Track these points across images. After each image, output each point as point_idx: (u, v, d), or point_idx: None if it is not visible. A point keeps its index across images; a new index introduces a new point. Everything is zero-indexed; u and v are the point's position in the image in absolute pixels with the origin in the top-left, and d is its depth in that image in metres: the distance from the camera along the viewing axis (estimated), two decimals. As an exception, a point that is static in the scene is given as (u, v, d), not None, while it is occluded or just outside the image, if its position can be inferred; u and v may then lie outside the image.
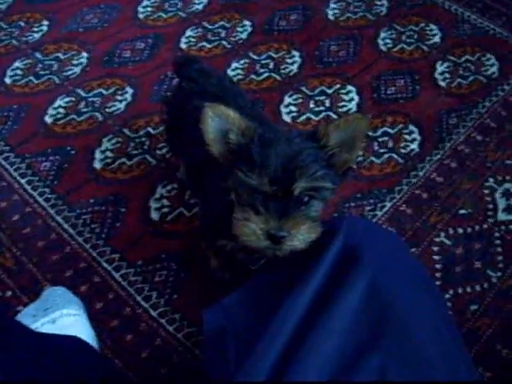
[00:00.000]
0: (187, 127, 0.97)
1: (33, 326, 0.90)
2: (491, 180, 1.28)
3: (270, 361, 0.57)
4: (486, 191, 1.25)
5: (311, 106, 1.43)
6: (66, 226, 1.16)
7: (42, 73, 1.49)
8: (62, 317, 0.91)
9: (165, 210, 1.20)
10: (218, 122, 0.70)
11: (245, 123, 0.71)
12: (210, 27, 1.65)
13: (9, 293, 1.06)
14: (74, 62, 1.52)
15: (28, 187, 1.23)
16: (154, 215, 1.19)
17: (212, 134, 0.71)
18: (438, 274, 1.11)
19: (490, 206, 1.23)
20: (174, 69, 1.20)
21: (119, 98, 1.43)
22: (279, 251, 0.68)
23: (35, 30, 1.61)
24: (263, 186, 0.67)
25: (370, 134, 1.36)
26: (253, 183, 0.68)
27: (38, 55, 1.53)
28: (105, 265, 1.11)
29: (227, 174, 0.73)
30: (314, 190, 0.69)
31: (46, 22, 1.63)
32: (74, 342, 0.82)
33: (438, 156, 1.32)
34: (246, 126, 0.71)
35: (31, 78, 1.47)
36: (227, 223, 0.76)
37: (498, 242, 1.16)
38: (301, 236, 0.68)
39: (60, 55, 1.54)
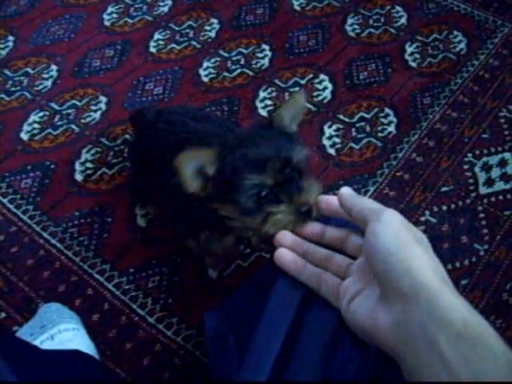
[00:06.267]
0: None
1: (31, 345, 0.89)
2: (469, 155, 1.29)
3: (271, 358, 0.58)
4: (466, 166, 1.27)
5: (286, 97, 1.44)
6: (53, 241, 1.16)
7: (13, 89, 1.47)
8: (60, 332, 0.90)
9: (151, 216, 1.20)
10: (192, 164, 0.72)
11: (212, 153, 0.74)
12: (177, 28, 1.64)
13: (2, 314, 1.05)
14: (45, 76, 1.50)
15: (11, 206, 1.22)
16: (141, 222, 1.19)
17: (189, 176, 0.73)
18: (426, 253, 1.13)
19: (471, 181, 1.24)
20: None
21: (93, 107, 1.42)
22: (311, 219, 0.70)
23: (1, 46, 1.59)
24: (271, 179, 0.71)
25: (347, 120, 1.37)
26: (259, 182, 0.71)
27: (7, 72, 1.51)
28: (97, 276, 1.10)
29: (210, 200, 0.77)
30: (303, 161, 0.75)
31: (11, 38, 1.61)
32: (75, 355, 0.82)
33: (416, 136, 1.34)
34: (214, 155, 0.74)
35: (2, 95, 1.45)
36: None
37: (481, 215, 1.18)
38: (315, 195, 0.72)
39: (29, 70, 1.52)
